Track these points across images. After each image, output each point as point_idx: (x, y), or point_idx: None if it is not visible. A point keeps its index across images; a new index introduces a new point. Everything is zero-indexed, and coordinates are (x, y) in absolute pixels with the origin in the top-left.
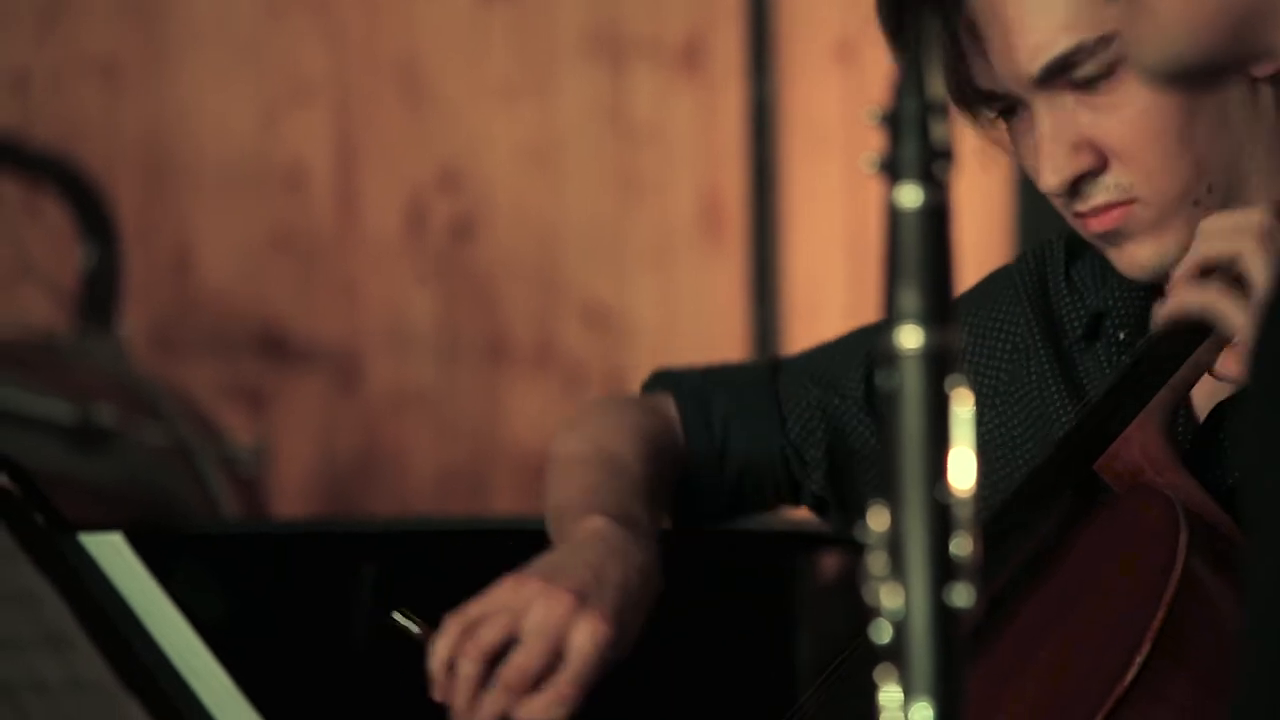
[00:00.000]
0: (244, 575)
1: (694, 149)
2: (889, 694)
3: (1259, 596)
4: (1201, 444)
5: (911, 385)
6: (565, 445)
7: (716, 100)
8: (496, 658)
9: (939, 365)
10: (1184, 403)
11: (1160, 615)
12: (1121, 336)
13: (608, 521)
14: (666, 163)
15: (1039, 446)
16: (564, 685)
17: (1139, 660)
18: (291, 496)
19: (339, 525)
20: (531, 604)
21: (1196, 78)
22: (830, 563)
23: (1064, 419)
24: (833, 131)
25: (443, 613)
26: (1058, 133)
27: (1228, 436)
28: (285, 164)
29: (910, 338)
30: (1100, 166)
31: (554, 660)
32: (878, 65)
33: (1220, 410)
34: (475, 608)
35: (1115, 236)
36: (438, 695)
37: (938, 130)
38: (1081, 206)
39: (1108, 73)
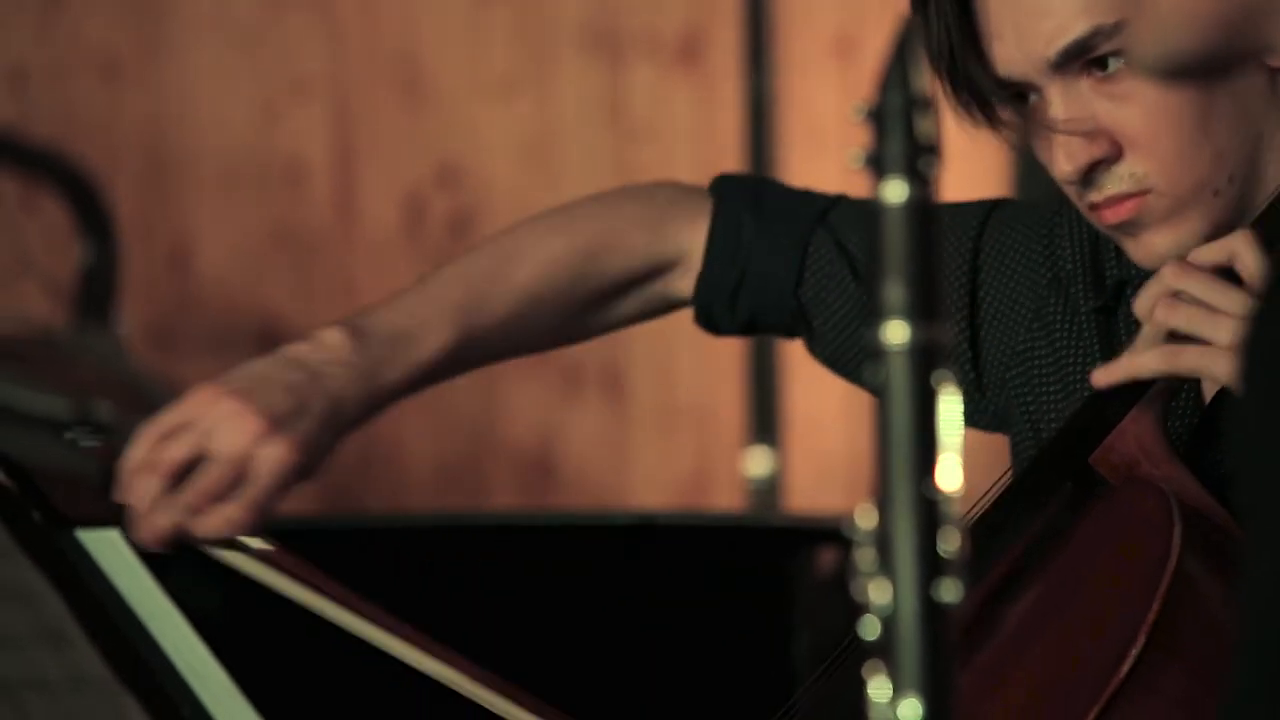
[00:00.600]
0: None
1: (692, 144)
2: (878, 689)
3: (1256, 589)
4: (1207, 425)
5: (898, 380)
6: (512, 230)
7: (715, 96)
8: (182, 470)
9: (926, 360)
10: (1193, 386)
11: (1155, 608)
12: None
13: (344, 338)
14: (665, 158)
15: (1065, 382)
16: (239, 508)
17: (1134, 653)
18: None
19: (336, 521)
20: (221, 423)
21: (1197, 72)
22: (827, 558)
23: (1091, 364)
24: (830, 127)
25: (448, 609)
26: (1073, 119)
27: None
28: (284, 160)
29: (897, 333)
30: (1115, 155)
31: (236, 482)
32: (876, 60)
33: (1227, 393)
34: (169, 418)
35: (1130, 227)
36: (121, 498)
37: (923, 125)
38: (1096, 196)
39: (1125, 60)
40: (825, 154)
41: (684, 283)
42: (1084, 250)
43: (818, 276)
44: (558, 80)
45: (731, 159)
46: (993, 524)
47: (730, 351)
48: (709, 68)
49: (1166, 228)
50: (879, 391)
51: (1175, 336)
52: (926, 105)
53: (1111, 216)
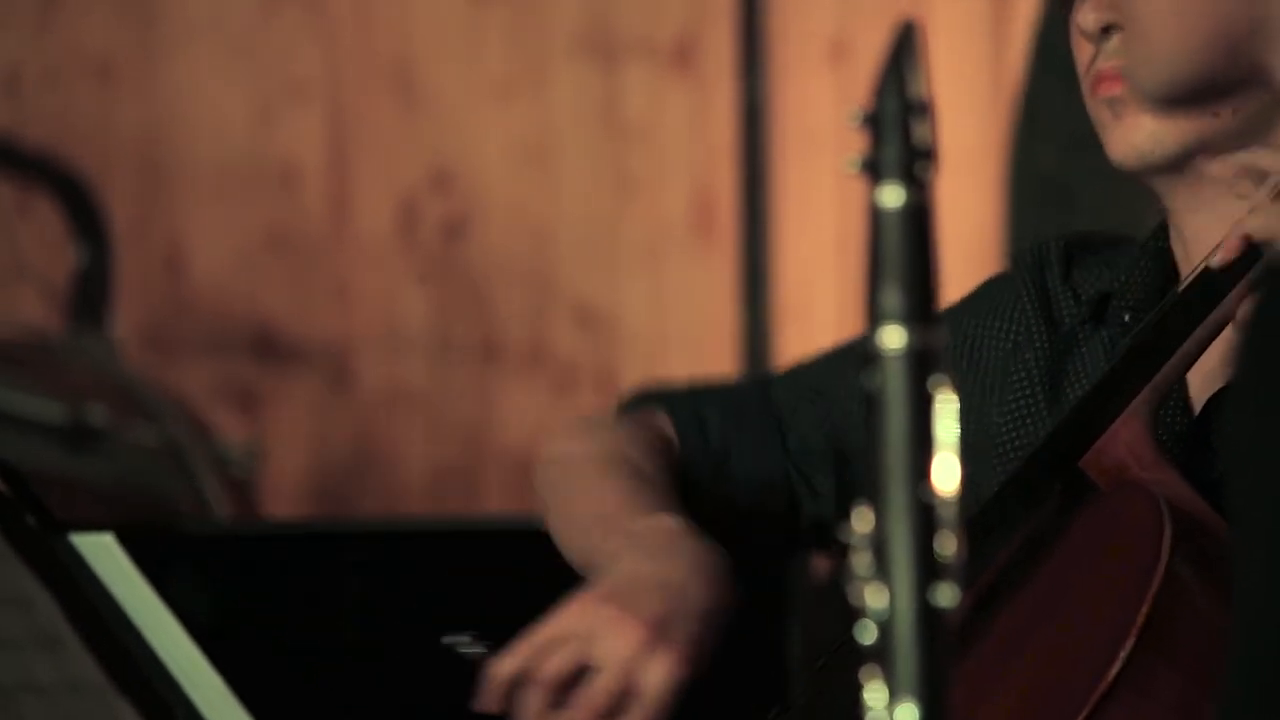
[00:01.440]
0: (236, 576)
1: (686, 149)
2: (874, 694)
3: (1248, 596)
4: (1197, 435)
5: (895, 385)
6: (567, 449)
7: (709, 100)
8: (565, 684)
9: (922, 365)
10: (1180, 393)
11: (1145, 611)
12: (1126, 319)
13: (678, 521)
14: (658, 163)
15: (1021, 435)
16: None
17: (1123, 655)
18: (283, 497)
19: (331, 526)
20: (604, 634)
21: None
22: (823, 562)
23: (1040, 415)
24: (824, 132)
25: (442, 615)
26: None
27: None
28: (278, 163)
29: (893, 338)
30: (1116, 22)
31: (624, 694)
32: (870, 65)
33: (1216, 401)
34: (545, 631)
35: (1116, 105)
36: (491, 708)
37: (919, 131)
38: (1101, 64)
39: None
40: (819, 157)
41: None
42: (1036, 293)
43: (798, 429)
44: (553, 84)
45: (725, 163)
46: (982, 528)
47: (722, 354)
48: (703, 72)
49: (1148, 118)
50: (875, 396)
51: None
52: (923, 110)
53: (1101, 90)
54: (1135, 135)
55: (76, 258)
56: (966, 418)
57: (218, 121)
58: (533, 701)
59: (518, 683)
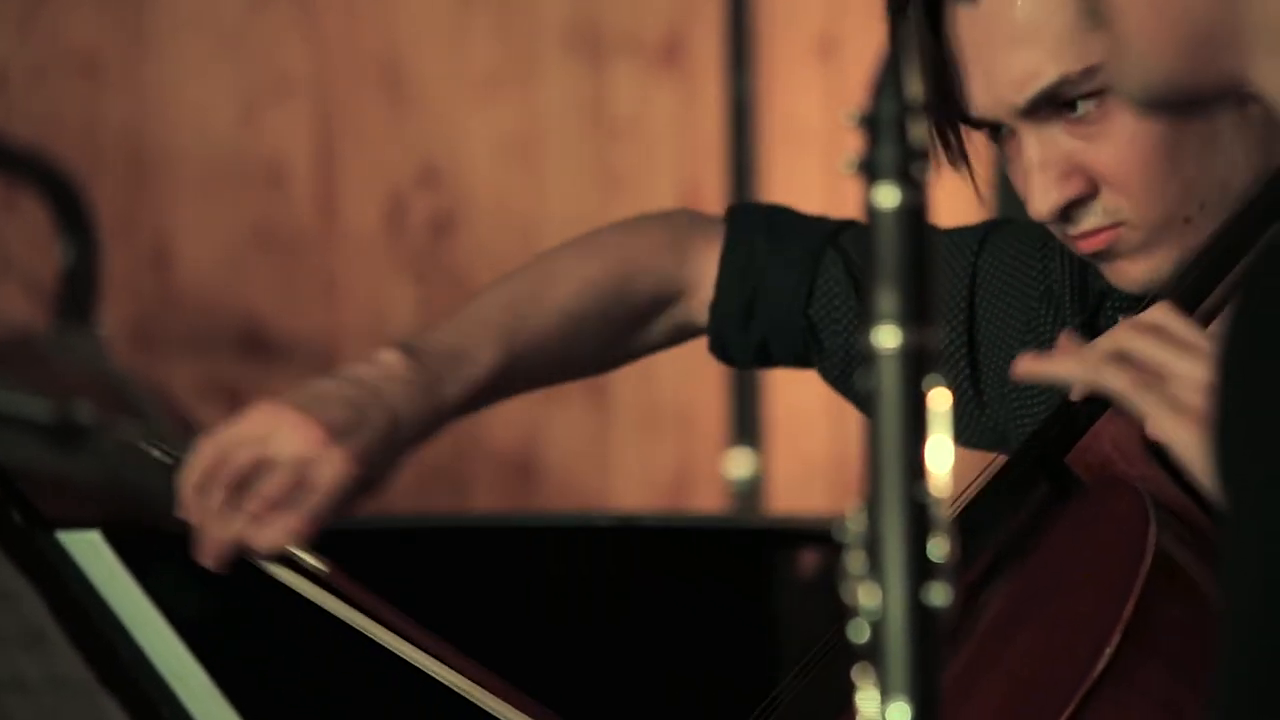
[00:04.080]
0: (222, 573)
1: (674, 145)
2: (866, 693)
3: (1235, 588)
4: None
5: (890, 385)
6: (546, 255)
7: (696, 96)
8: (243, 480)
9: (917, 365)
10: None
11: (1130, 606)
12: (1120, 320)
13: (400, 358)
14: (646, 158)
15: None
16: (298, 518)
17: (1109, 651)
18: None
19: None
20: (282, 434)
21: (1182, 106)
22: (810, 559)
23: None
24: (812, 127)
25: (428, 612)
26: (1046, 161)
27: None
28: (265, 160)
29: (888, 338)
30: (1091, 192)
31: (296, 490)
32: (858, 62)
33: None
34: (229, 432)
35: (1107, 255)
36: (185, 514)
37: (916, 131)
38: (1073, 230)
39: (1095, 102)
40: (806, 155)
41: (703, 307)
42: (1073, 266)
43: (828, 295)
44: (540, 81)
45: (713, 160)
46: (968, 523)
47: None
48: (691, 69)
49: (1141, 256)
50: (871, 395)
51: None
52: (919, 111)
53: (1087, 247)
54: (1131, 274)
55: (63, 254)
56: (958, 346)
57: (204, 118)
58: (213, 499)
59: (203, 486)
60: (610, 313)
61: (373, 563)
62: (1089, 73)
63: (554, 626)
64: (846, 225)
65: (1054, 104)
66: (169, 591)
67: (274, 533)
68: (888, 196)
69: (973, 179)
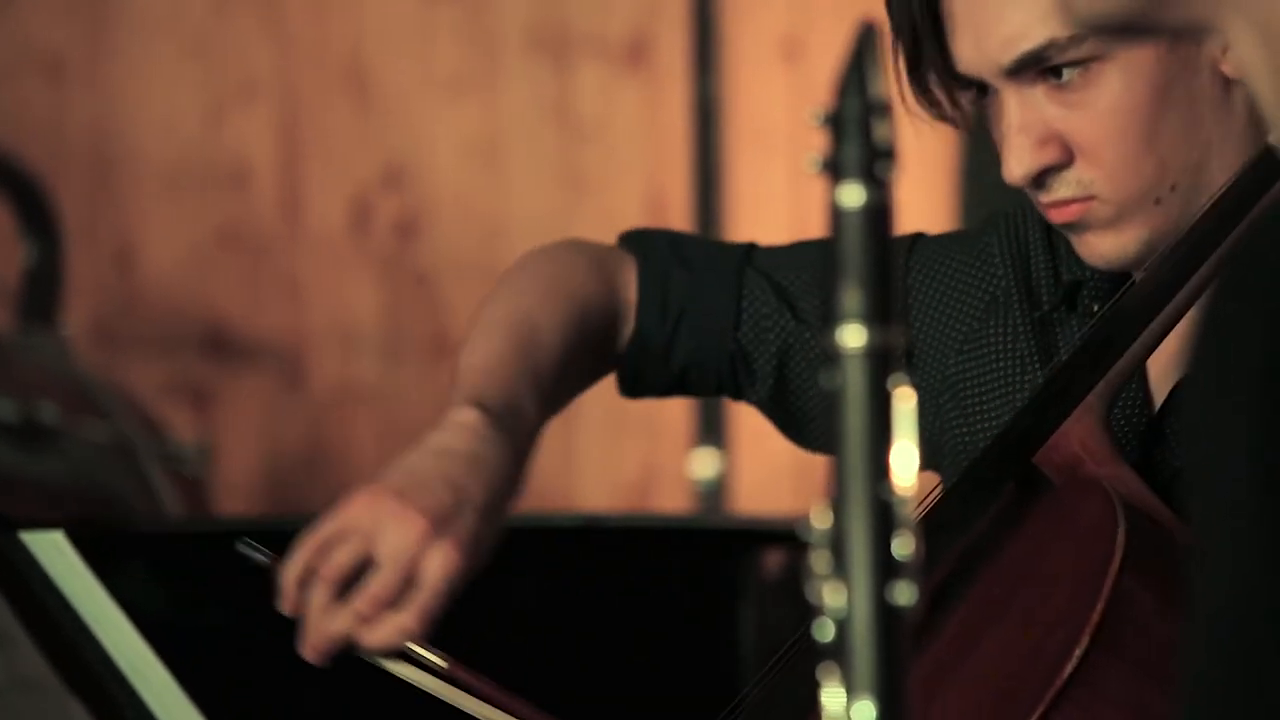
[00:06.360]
0: (186, 573)
1: (639, 146)
2: (831, 693)
3: (1203, 587)
4: (1157, 429)
5: (854, 384)
6: (494, 300)
7: (661, 97)
8: (349, 578)
9: (882, 364)
10: (1140, 388)
11: (1099, 608)
12: (1095, 309)
13: (480, 417)
14: (611, 160)
15: (1004, 401)
16: (409, 616)
17: (1077, 653)
18: (235, 494)
19: (283, 523)
20: (385, 527)
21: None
22: (776, 559)
23: (1031, 379)
24: (777, 129)
25: None
26: (1025, 125)
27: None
28: (230, 161)
29: (853, 337)
30: (1066, 161)
31: (405, 586)
32: (823, 63)
33: (1176, 394)
34: (329, 527)
35: (1076, 227)
36: (288, 610)
37: (880, 130)
38: (1045, 198)
39: (1080, 70)
40: (772, 155)
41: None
42: (1017, 263)
43: (755, 316)
44: (505, 82)
45: (678, 160)
46: (935, 524)
47: None
48: (656, 69)
49: (1110, 232)
50: (834, 395)
51: None
52: (884, 110)
53: (1058, 217)
54: (1099, 249)
55: (27, 255)
56: (921, 345)
57: (169, 118)
58: (318, 598)
59: (305, 581)
60: (590, 348)
61: None
62: (1076, 39)
63: (518, 627)
64: (751, 247)
65: (1039, 67)
66: (133, 592)
67: (386, 633)
68: (852, 196)
69: (956, 127)
